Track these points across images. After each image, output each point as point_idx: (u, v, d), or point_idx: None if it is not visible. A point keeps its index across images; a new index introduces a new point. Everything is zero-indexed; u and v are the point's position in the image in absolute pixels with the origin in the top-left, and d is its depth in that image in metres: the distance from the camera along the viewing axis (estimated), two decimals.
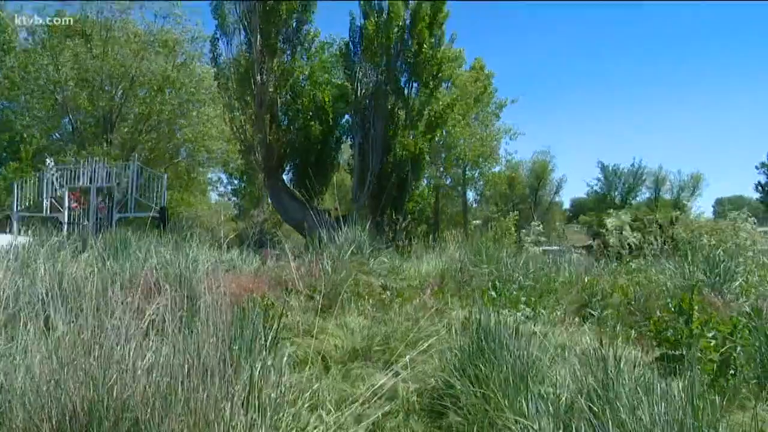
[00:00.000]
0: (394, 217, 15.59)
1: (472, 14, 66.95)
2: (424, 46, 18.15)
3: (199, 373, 2.88)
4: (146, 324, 3.24)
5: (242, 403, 2.96)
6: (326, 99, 19.57)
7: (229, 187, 40.69)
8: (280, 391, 3.24)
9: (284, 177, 20.26)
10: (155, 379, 2.92)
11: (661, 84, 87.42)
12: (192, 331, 3.10)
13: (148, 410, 2.79)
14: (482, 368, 3.86)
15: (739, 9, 76.06)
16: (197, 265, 6.28)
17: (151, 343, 3.15)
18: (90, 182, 18.81)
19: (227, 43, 18.80)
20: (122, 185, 18.71)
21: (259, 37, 18.12)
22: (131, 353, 3.00)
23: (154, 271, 5.99)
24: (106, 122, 26.90)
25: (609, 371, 3.37)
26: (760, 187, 43.42)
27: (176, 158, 30.42)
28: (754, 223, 14.39)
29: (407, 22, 18.41)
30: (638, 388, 3.19)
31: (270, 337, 4.06)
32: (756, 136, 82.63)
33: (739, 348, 4.73)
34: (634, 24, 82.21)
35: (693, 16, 78.35)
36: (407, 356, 4.41)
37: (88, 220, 18.30)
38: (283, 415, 3.20)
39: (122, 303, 3.19)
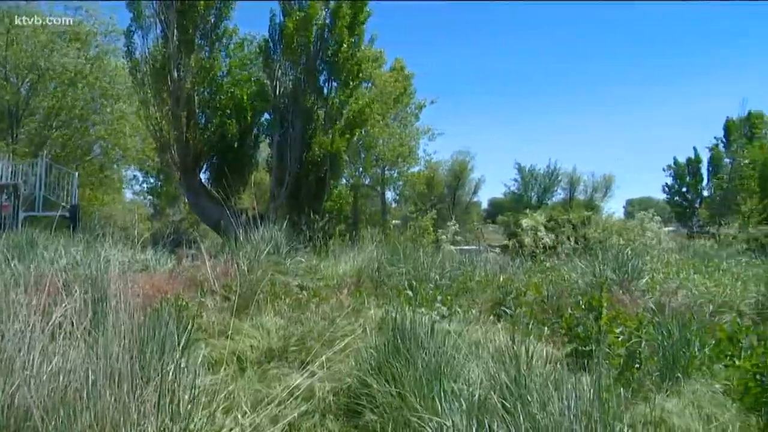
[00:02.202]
0: (312, 216, 15.52)
1: (395, 14, 67.17)
2: (344, 45, 18.16)
3: (107, 376, 2.80)
4: (52, 327, 3.12)
5: (153, 407, 2.89)
6: (245, 97, 19.34)
7: (145, 186, 39.53)
8: (194, 394, 3.18)
9: (201, 176, 19.95)
10: (61, 385, 2.82)
11: (576, 86, 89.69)
12: (102, 334, 3.01)
13: (53, 418, 2.69)
14: (398, 367, 3.89)
15: (651, 11, 78.91)
16: (109, 266, 6.09)
17: (58, 347, 3.04)
18: None
19: (143, 37, 18.33)
20: (29, 182, 17.93)
21: (175, 32, 17.75)
22: (35, 358, 2.89)
23: (63, 271, 5.79)
24: (11, 116, 25.61)
25: (521, 368, 3.46)
26: (666, 189, 45.15)
27: (89, 155, 29.31)
28: (660, 223, 15.07)
29: (327, 21, 18.39)
30: (549, 384, 3.28)
31: (184, 339, 3.99)
32: (666, 139, 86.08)
33: (644, 342, 4.93)
34: (550, 25, 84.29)
35: (606, 18, 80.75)
36: (324, 356, 4.41)
37: None
38: (197, 418, 3.15)
39: (26, 306, 3.07)
